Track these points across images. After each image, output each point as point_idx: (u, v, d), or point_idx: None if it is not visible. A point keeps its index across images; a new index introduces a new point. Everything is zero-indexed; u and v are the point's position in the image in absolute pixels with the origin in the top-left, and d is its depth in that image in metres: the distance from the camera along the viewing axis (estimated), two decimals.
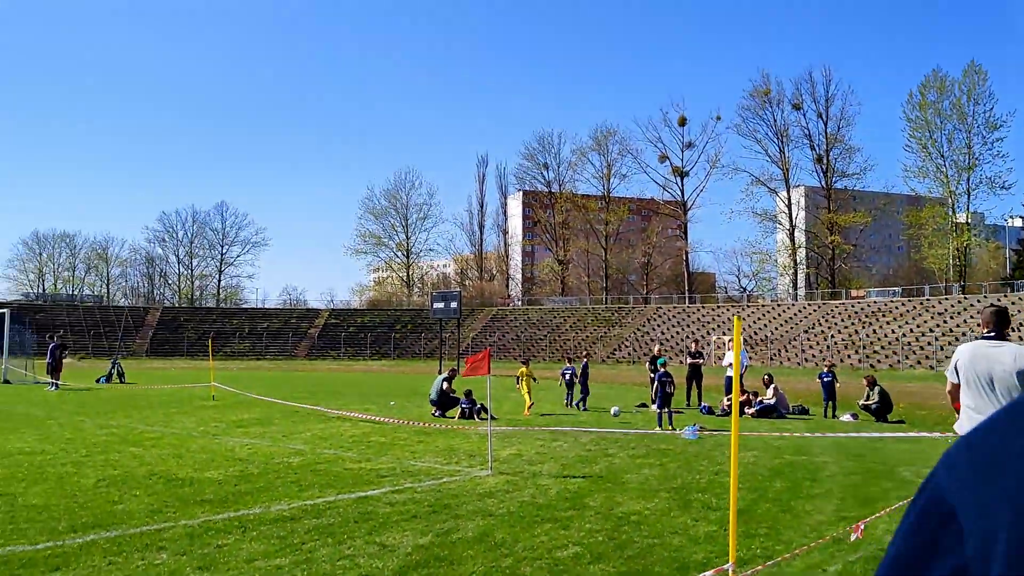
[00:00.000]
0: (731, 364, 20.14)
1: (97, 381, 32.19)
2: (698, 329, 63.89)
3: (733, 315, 65.07)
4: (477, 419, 17.08)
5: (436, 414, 18.27)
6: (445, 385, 18.61)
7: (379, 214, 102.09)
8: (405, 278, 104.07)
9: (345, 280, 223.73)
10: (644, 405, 21.00)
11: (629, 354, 62.45)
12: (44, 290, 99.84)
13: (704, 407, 20.11)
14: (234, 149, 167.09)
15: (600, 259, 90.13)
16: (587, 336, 69.81)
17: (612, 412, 19.50)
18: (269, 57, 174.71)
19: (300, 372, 47.55)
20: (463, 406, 17.89)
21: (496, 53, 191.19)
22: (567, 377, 21.88)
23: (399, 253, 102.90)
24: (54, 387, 27.18)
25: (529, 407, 19.39)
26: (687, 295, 77.72)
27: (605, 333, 69.21)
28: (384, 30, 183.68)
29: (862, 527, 6.50)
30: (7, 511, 7.84)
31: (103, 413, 18.57)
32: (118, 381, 32.22)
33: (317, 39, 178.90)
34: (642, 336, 66.07)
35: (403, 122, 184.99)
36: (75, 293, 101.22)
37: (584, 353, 23.40)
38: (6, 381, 30.36)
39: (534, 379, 20.21)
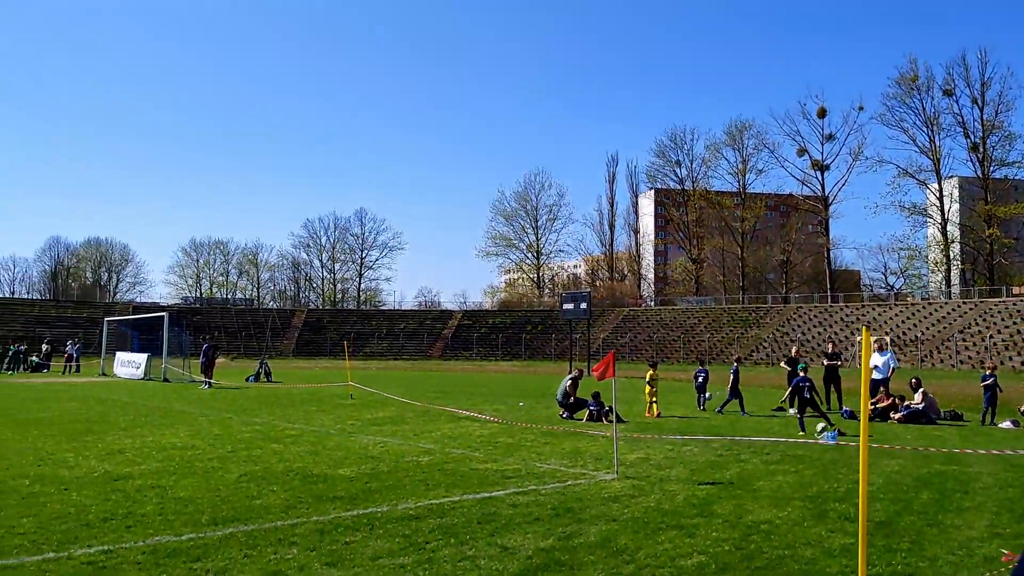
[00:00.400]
0: (876, 367, 19.06)
1: (246, 380, 34.06)
2: (841, 330, 61.02)
3: (879, 315, 61.82)
4: (605, 421, 16.90)
5: (564, 416, 18.22)
6: (569, 385, 18.54)
7: (509, 216, 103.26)
8: (535, 279, 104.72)
9: (477, 282, 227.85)
10: (781, 409, 20.19)
11: (767, 355, 60.33)
12: (201, 294, 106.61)
13: (845, 411, 19.13)
14: (372, 156, 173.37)
15: (736, 257, 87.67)
16: (722, 337, 68.01)
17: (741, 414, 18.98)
18: (402, 63, 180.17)
19: (434, 372, 48.67)
20: (591, 408, 17.76)
21: (626, 51, 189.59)
22: (699, 380, 21.36)
23: (529, 254, 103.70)
24: (207, 386, 28.96)
25: (652, 409, 19.05)
26: (829, 294, 74.38)
27: (742, 334, 67.19)
28: (514, 32, 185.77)
29: (1014, 558, 5.95)
30: (158, 503, 8.36)
31: (249, 411, 19.59)
32: (265, 380, 33.97)
33: (449, 43, 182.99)
34: (781, 337, 63.74)
35: (533, 124, 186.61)
36: (228, 297, 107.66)
37: (735, 356, 22.42)
38: (165, 380, 32.62)
39: (655, 384, 19.74)
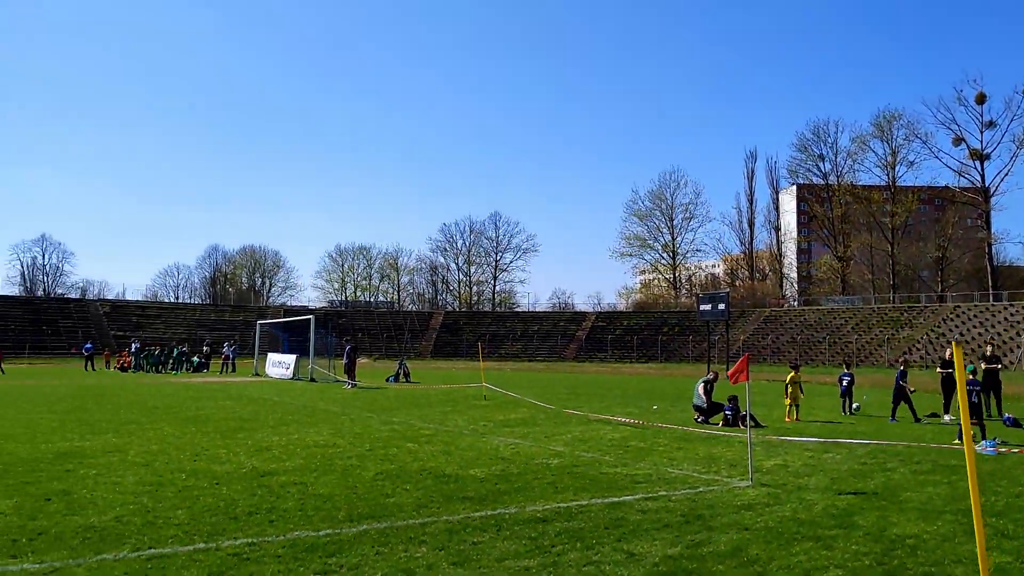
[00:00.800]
0: None
1: (386, 380, 35.26)
2: (1005, 330, 56.74)
3: None
4: (741, 426, 16.39)
5: (699, 420, 17.81)
6: (702, 388, 18.09)
7: (644, 216, 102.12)
8: (671, 280, 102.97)
9: (611, 283, 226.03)
10: (935, 415, 18.96)
11: (921, 357, 56.84)
12: (346, 297, 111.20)
13: (1008, 418, 17.73)
14: (506, 160, 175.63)
15: (886, 254, 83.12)
16: (872, 338, 64.65)
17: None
18: (532, 65, 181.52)
19: (567, 374, 48.72)
20: (727, 412, 17.27)
21: (762, 41, 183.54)
22: (844, 384, 20.40)
23: (665, 255, 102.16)
24: (350, 386, 30.15)
25: (792, 414, 18.35)
26: (991, 292, 69.28)
27: (892, 335, 63.61)
28: (646, 27, 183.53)
29: None
30: (299, 498, 8.76)
31: (388, 410, 20.24)
32: (404, 380, 35.05)
33: (580, 44, 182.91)
34: (936, 338, 59.91)
35: (667, 121, 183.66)
36: (371, 299, 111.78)
37: (900, 360, 21.06)
38: (312, 380, 34.21)
39: (801, 389, 18.95)
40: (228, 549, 6.63)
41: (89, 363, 47.46)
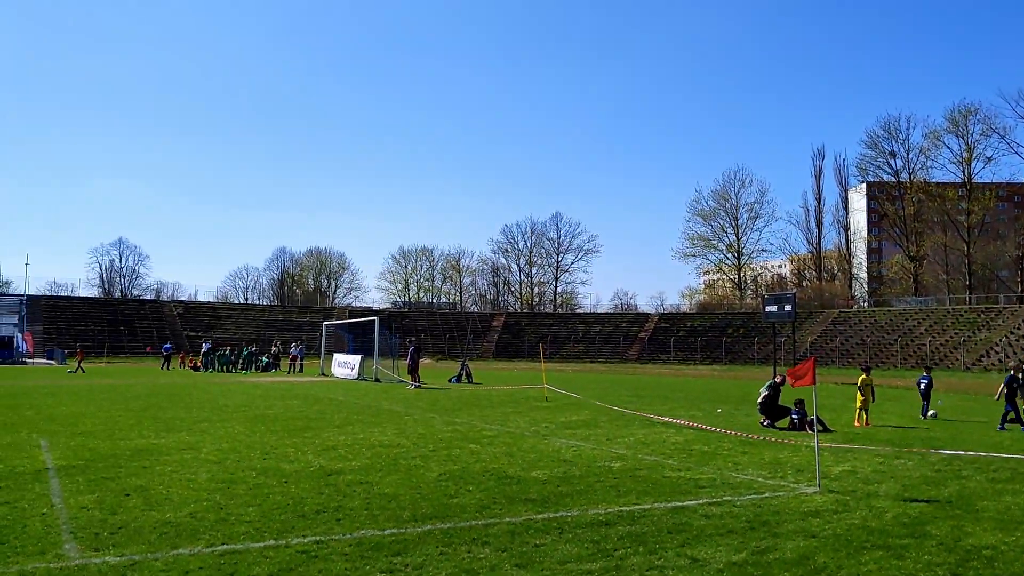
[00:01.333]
0: None
1: (449, 381, 35.55)
2: None
3: None
4: (809, 431, 16.07)
5: (765, 424, 17.52)
6: (769, 391, 17.78)
7: (707, 216, 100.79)
8: (736, 280, 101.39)
9: (674, 284, 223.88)
10: (1016, 420, 18.28)
11: (999, 361, 54.81)
12: (409, 298, 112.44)
13: None
14: (567, 160, 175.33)
15: (961, 254, 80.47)
16: (946, 340, 62.63)
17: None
18: (593, 66, 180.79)
19: (629, 376, 48.40)
20: (793, 417, 16.97)
21: (830, 36, 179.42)
22: (922, 387, 19.88)
23: (729, 255, 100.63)
24: (413, 386, 30.50)
25: (861, 418, 17.92)
26: None
27: (969, 337, 61.49)
28: (708, 25, 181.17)
29: None
30: (365, 498, 8.92)
31: (451, 411, 20.43)
32: (466, 381, 35.29)
33: (640, 42, 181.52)
34: (1016, 340, 57.72)
35: (730, 119, 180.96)
36: (433, 300, 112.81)
37: (1012, 364, 20.12)
38: (376, 380, 34.70)
39: (872, 393, 18.48)
40: (297, 546, 6.79)
41: (166, 363, 49.28)
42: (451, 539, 7.11)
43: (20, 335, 64.53)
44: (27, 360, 58.63)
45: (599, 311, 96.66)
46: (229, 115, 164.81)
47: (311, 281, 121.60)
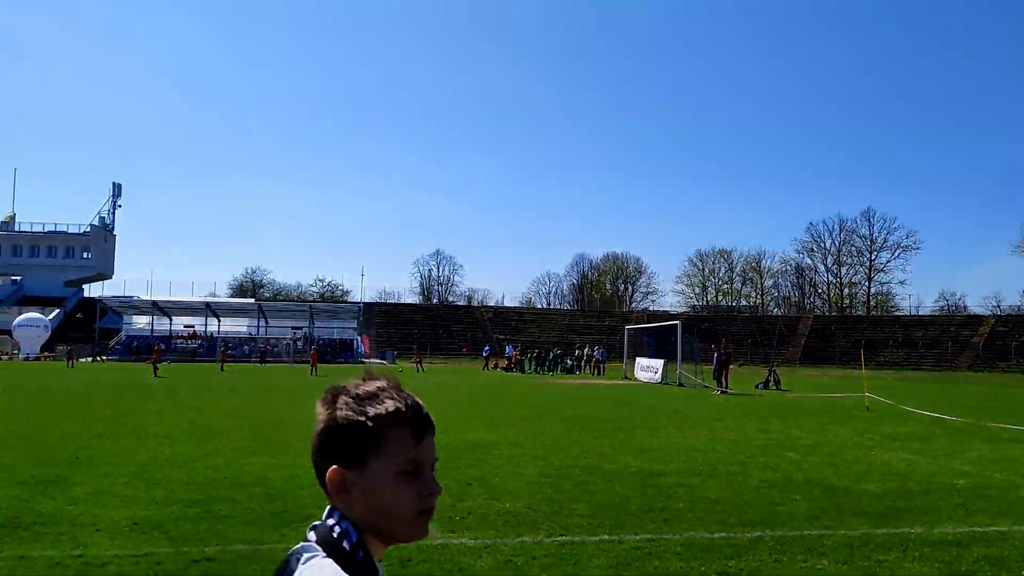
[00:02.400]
0: None
1: (756, 387, 34.49)
2: None
3: None
4: None
5: None
6: None
7: None
8: None
9: (1014, 282, 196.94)
10: None
11: None
12: (707, 302, 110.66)
13: None
14: (877, 150, 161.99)
15: None
16: None
17: None
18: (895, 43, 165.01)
19: (961, 385, 43.58)
20: None
21: None
22: None
23: None
24: (719, 392, 30.01)
25: None
26: None
27: None
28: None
29: None
30: (687, 500, 9.02)
31: (762, 418, 19.84)
32: (774, 388, 34.01)
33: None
34: None
35: None
36: (733, 304, 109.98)
37: None
38: (680, 384, 34.63)
39: None
40: (630, 543, 7.07)
41: (487, 364, 53.84)
42: (784, 547, 6.98)
43: (359, 338, 73.23)
44: (364, 360, 66.36)
45: (921, 313, 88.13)
46: (526, 129, 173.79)
47: (608, 285, 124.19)
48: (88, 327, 71.85)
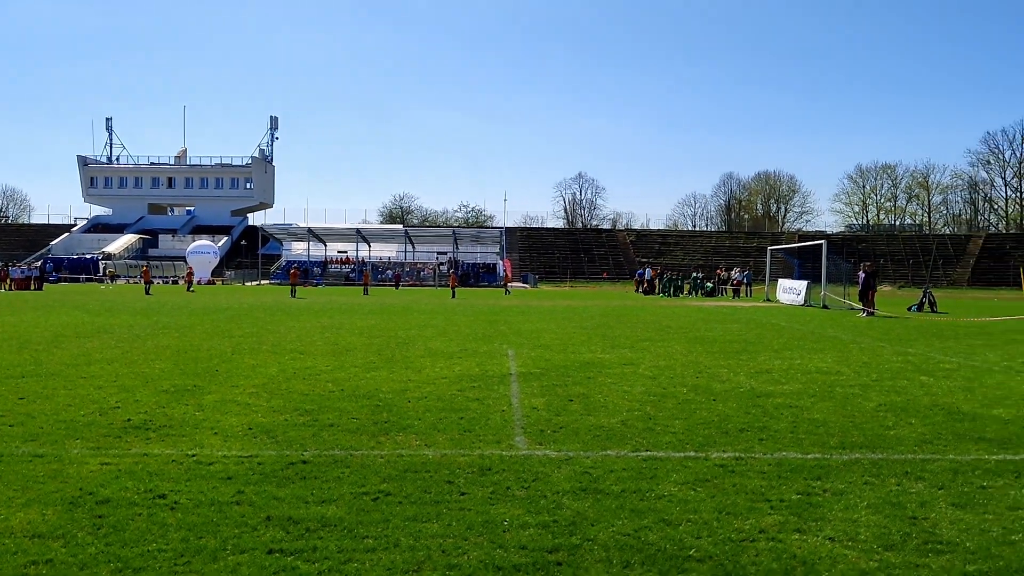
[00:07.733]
0: None
1: (908, 309, 32.55)
2: None
3: None
4: None
5: None
6: None
7: None
8: None
9: None
10: None
11: None
12: (867, 221, 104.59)
13: None
14: None
15: None
16: None
17: None
18: None
19: None
20: None
21: None
22: None
23: None
24: (865, 313, 28.54)
25: None
26: None
27: None
28: None
29: None
30: (791, 421, 8.71)
31: (904, 340, 18.75)
32: (929, 311, 31.96)
33: None
34: None
35: None
36: (896, 223, 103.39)
37: None
38: (824, 306, 33.17)
39: None
40: (716, 460, 6.93)
41: (640, 287, 53.21)
42: (880, 470, 6.65)
43: (501, 262, 74.44)
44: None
45: None
46: (674, 42, 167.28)
47: (759, 206, 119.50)
48: (252, 253, 76.85)
